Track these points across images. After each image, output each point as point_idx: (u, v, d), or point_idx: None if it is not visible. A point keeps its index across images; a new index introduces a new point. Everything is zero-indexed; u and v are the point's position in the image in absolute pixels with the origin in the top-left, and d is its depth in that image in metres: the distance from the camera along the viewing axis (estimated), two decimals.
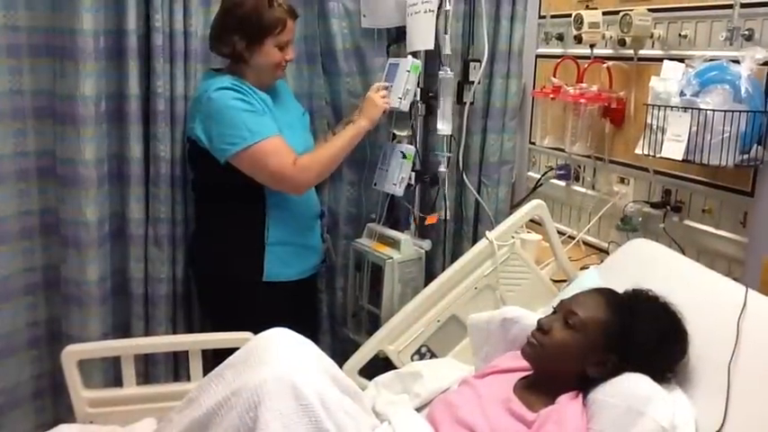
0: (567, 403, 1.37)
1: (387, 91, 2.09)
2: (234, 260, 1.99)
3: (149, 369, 2.13)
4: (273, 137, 1.87)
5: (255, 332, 1.70)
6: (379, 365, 1.91)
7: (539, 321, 1.48)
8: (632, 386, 1.32)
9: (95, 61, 1.85)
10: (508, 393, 1.44)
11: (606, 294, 1.50)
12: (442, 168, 2.24)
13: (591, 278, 1.80)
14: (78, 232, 1.92)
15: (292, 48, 1.99)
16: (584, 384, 1.41)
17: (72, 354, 1.65)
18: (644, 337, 1.39)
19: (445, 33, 2.12)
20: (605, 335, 1.41)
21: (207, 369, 1.70)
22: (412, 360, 1.91)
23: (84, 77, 1.83)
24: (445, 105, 2.15)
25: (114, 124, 1.98)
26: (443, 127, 2.16)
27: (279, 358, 1.30)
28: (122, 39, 1.93)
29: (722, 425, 1.28)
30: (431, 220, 2.28)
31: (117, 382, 1.71)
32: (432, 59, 2.21)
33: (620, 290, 1.52)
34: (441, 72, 2.14)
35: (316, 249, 2.16)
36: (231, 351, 1.71)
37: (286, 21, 1.91)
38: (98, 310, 1.97)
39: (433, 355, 1.93)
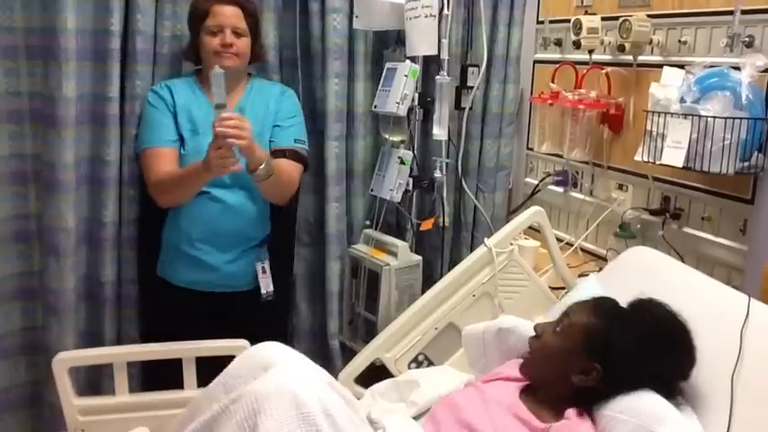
0: (579, 422, 1.33)
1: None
2: (141, 255, 2.06)
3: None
4: (156, 147, 1.91)
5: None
6: (375, 374, 1.89)
7: (535, 326, 1.46)
8: (645, 404, 1.28)
9: (77, 61, 1.82)
10: (514, 399, 1.41)
11: (602, 301, 1.46)
12: (438, 174, 2.22)
13: (590, 285, 1.78)
14: (59, 239, 1.86)
15: (230, 33, 1.91)
16: (584, 399, 1.37)
17: (63, 361, 1.62)
18: (623, 345, 1.34)
19: (444, 38, 2.11)
20: (586, 340, 1.36)
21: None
22: (409, 368, 1.88)
23: (65, 78, 1.79)
24: (442, 110, 2.14)
25: (91, 126, 1.94)
26: (439, 132, 2.15)
27: (279, 367, 1.28)
28: (104, 39, 1.89)
29: None
30: (426, 225, 2.26)
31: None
32: (429, 64, 2.20)
33: (620, 297, 1.49)
34: (438, 77, 2.12)
35: (211, 267, 1.96)
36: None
37: (210, 7, 1.91)
38: (72, 318, 1.93)
39: (430, 363, 1.91)
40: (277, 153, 1.97)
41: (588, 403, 1.36)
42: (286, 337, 2.33)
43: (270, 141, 2.01)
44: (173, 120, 1.95)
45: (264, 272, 2.05)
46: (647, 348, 1.34)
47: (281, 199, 2.03)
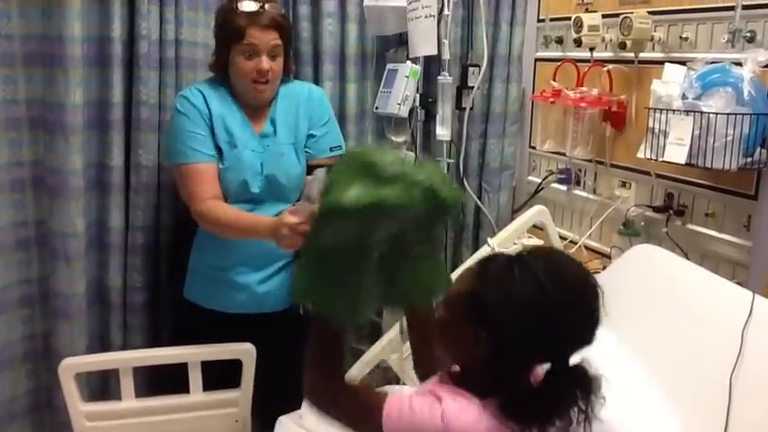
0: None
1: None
2: (170, 274, 2.03)
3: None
4: (195, 163, 1.78)
5: None
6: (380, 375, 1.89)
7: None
8: None
9: (83, 68, 1.83)
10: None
11: (486, 259, 1.14)
12: None
13: None
14: (68, 244, 1.87)
15: (266, 58, 1.78)
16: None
17: (69, 367, 1.63)
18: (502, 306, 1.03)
19: (445, 38, 2.11)
20: (467, 305, 1.08)
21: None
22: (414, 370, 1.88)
23: (72, 85, 1.80)
24: (444, 110, 2.14)
25: (96, 132, 1.95)
26: (443, 132, 2.15)
27: None
28: (106, 46, 1.90)
29: None
30: None
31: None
32: (430, 65, 2.20)
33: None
34: (440, 77, 2.13)
35: (244, 288, 1.87)
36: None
37: (245, 29, 1.75)
38: (83, 322, 1.93)
39: None
40: (317, 167, 1.88)
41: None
42: None
43: (306, 151, 1.92)
44: (209, 131, 1.81)
45: None
46: (528, 310, 1.03)
47: None
